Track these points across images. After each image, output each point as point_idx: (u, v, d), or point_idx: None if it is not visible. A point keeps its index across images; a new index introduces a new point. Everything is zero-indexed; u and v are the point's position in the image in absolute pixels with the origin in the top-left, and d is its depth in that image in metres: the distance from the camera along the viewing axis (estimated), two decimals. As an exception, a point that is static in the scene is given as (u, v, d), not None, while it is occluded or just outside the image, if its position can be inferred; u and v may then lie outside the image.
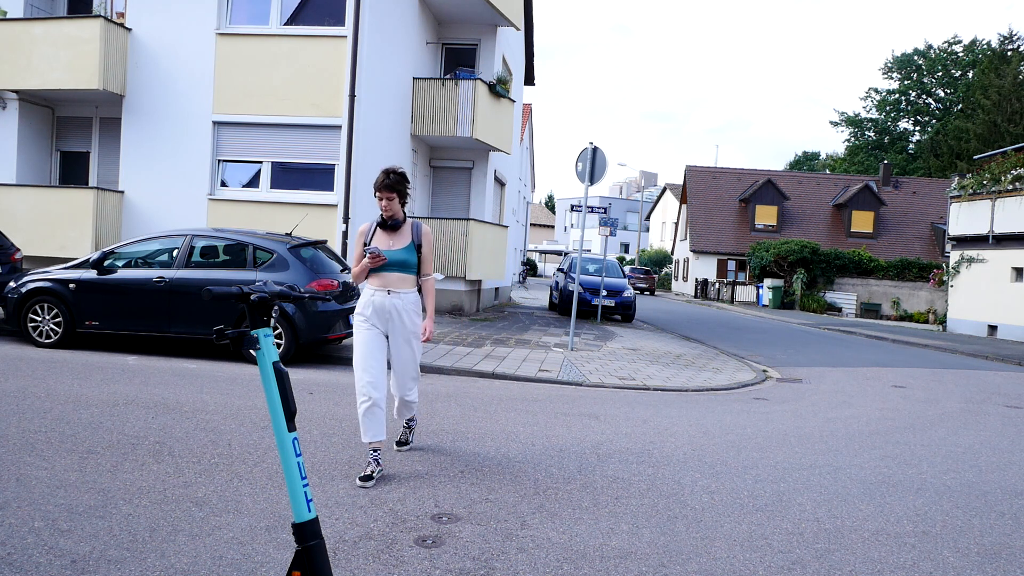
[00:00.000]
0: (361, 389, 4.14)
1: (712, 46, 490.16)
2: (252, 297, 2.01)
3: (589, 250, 50.79)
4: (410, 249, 4.30)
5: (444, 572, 3.03)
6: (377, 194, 4.20)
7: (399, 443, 4.87)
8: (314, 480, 4.08)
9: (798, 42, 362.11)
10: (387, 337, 4.31)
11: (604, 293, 17.02)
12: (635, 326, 16.90)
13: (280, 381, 2.01)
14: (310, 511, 2.00)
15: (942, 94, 53.38)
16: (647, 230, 62.09)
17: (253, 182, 12.56)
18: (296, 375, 7.53)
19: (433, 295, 4.45)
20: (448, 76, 15.23)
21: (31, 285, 8.31)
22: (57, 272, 8.38)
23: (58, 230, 12.15)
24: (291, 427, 2.01)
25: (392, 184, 4.18)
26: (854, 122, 56.75)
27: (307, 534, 2.00)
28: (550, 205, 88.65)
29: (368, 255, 4.10)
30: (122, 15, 12.81)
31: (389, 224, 4.29)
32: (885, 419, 7.34)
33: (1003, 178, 20.49)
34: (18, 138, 12.88)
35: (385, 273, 4.24)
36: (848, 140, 58.14)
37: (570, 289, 16.99)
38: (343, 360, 8.66)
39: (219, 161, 12.49)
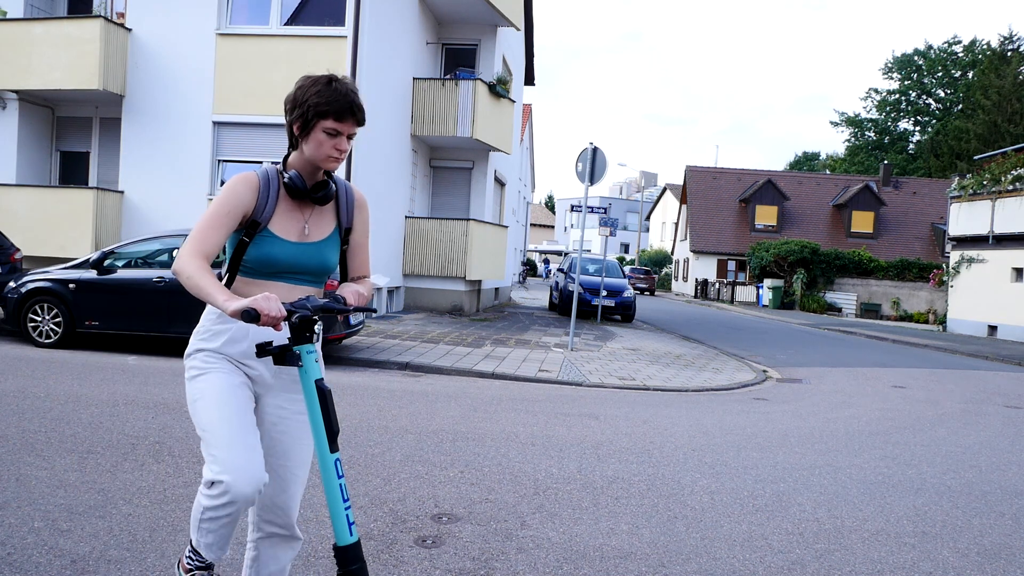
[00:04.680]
0: (227, 470, 1.94)
1: (717, 51, 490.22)
2: (293, 319, 1.86)
3: (589, 250, 50.80)
4: (334, 240, 2.20)
5: (444, 572, 3.03)
6: (328, 125, 2.02)
7: None
8: (314, 480, 4.08)
9: (799, 44, 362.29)
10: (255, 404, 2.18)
11: (604, 293, 17.02)
12: (635, 326, 16.91)
13: (323, 400, 1.91)
14: (352, 535, 1.91)
15: (942, 94, 53.38)
16: (647, 230, 62.10)
17: (253, 182, 12.55)
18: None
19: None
20: (448, 76, 15.24)
21: (31, 285, 8.31)
22: (57, 272, 8.38)
23: (58, 230, 12.15)
24: (334, 448, 1.90)
25: (362, 108, 2.08)
26: (854, 122, 56.77)
27: (350, 558, 1.92)
28: (550, 205, 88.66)
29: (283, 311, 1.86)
30: (122, 15, 12.81)
31: (315, 190, 2.11)
32: (885, 419, 7.34)
33: (1003, 178, 20.49)
34: (18, 138, 12.88)
35: (286, 285, 2.12)
36: (848, 140, 58.17)
37: (570, 289, 16.99)
38: (343, 360, 8.67)
39: (219, 161, 12.48)
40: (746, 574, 3.23)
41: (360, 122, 2.10)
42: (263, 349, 1.86)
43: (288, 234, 2.12)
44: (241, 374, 2.12)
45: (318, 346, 2.04)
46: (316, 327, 1.93)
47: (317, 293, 2.21)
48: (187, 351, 2.14)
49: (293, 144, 2.14)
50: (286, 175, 2.10)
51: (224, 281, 2.10)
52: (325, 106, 2.02)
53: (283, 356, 1.88)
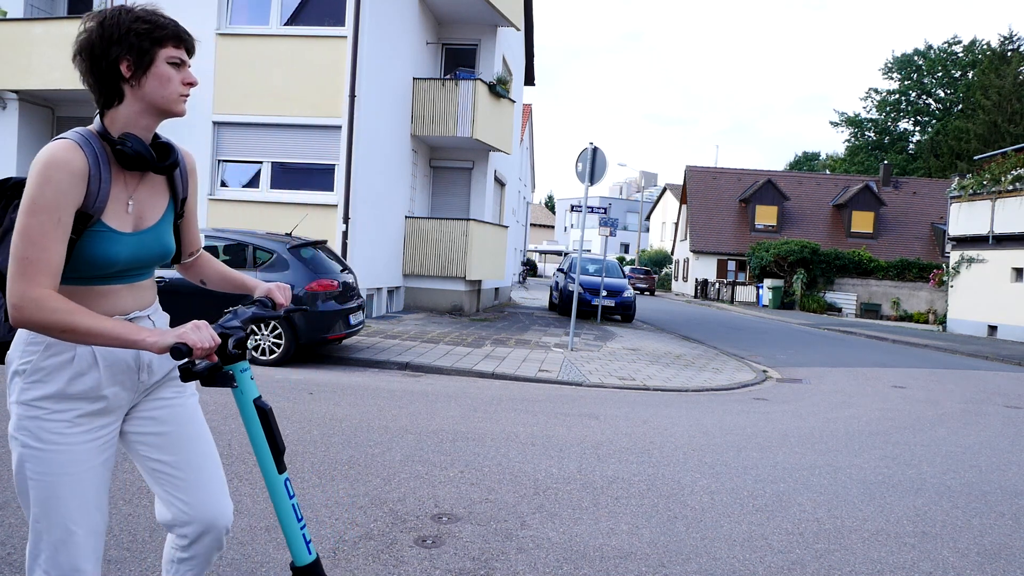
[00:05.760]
0: None
1: (717, 51, 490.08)
2: (230, 346, 1.64)
3: (589, 250, 50.80)
4: (169, 218, 1.80)
5: (444, 572, 3.03)
6: (170, 54, 1.66)
7: None
8: (314, 480, 4.09)
9: (799, 44, 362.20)
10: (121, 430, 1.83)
11: (604, 293, 17.02)
12: (635, 326, 16.91)
13: (264, 420, 1.72)
14: (311, 553, 1.80)
15: (942, 94, 53.39)
16: (647, 230, 62.10)
17: (253, 182, 12.56)
18: (296, 375, 7.54)
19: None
20: (448, 76, 15.24)
21: (31, 285, 8.30)
22: (57, 272, 8.36)
23: (58, 230, 12.14)
24: (281, 468, 1.74)
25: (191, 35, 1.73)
26: (854, 122, 56.79)
27: None
28: (550, 205, 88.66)
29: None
30: (122, 15, 12.81)
31: (162, 157, 1.72)
32: (885, 419, 7.34)
33: (1003, 178, 20.49)
34: (18, 138, 12.88)
35: (124, 286, 1.71)
36: (848, 140, 58.19)
37: (570, 289, 17.00)
38: (343, 360, 8.67)
39: (219, 161, 12.49)
40: (746, 574, 3.23)
41: (193, 51, 1.71)
42: (188, 372, 1.57)
43: (123, 223, 1.66)
44: (103, 433, 1.69)
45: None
46: (248, 342, 1.75)
47: (152, 285, 1.84)
48: (14, 398, 1.62)
49: (107, 101, 1.65)
50: (117, 140, 1.61)
51: None
52: (161, 30, 1.61)
53: (212, 378, 1.62)
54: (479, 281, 16.14)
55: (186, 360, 1.55)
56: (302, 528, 1.79)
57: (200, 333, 1.53)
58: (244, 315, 1.72)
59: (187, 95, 1.70)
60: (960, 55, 51.96)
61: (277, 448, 1.74)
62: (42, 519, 1.64)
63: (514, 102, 16.84)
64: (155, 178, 1.75)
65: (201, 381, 1.60)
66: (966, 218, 22.15)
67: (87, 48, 1.65)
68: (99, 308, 1.65)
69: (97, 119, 1.66)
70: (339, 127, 11.97)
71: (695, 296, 37.99)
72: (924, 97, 54.36)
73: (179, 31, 1.67)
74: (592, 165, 11.31)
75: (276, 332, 8.06)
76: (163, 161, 1.70)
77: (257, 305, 1.84)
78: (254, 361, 8.04)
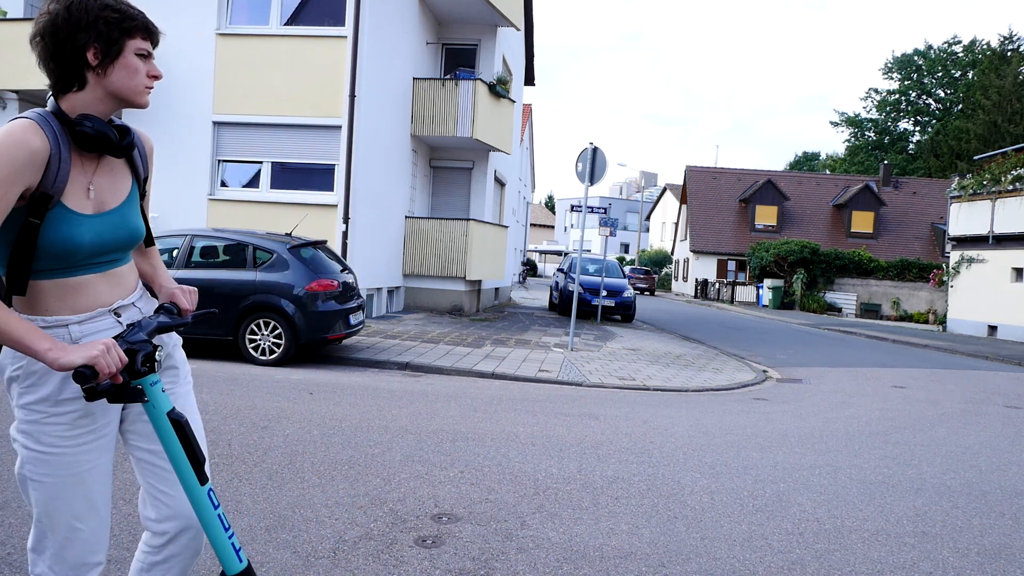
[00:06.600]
0: None
1: (717, 51, 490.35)
2: (138, 363, 1.57)
3: (589, 250, 50.80)
4: (134, 199, 1.77)
5: (444, 572, 3.03)
6: (139, 45, 1.64)
7: None
8: (314, 480, 4.09)
9: (799, 44, 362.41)
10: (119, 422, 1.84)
11: (604, 293, 17.02)
12: (635, 326, 16.91)
13: (180, 432, 1.67)
14: (242, 560, 1.79)
15: (942, 94, 53.40)
16: (647, 230, 62.11)
17: (253, 182, 12.56)
18: (296, 375, 7.54)
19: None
20: (448, 76, 15.24)
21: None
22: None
23: (58, 230, 12.13)
24: (203, 479, 1.71)
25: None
26: (854, 122, 56.80)
27: None
28: (550, 205, 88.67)
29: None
30: (122, 15, 12.80)
31: (115, 139, 1.65)
32: (885, 419, 7.34)
33: (1003, 178, 20.49)
34: (18, 138, 12.87)
35: (99, 275, 1.68)
36: (848, 140, 58.20)
37: (570, 289, 17.00)
38: (343, 360, 8.67)
39: (219, 161, 12.49)
40: (746, 574, 3.23)
41: (158, 43, 1.71)
42: (93, 391, 1.48)
43: (84, 206, 1.61)
44: (105, 432, 1.72)
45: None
46: (158, 353, 1.64)
47: (131, 271, 1.80)
48: (15, 402, 1.64)
49: (66, 86, 1.60)
50: (76, 121, 1.58)
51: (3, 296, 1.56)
52: (130, 21, 1.60)
53: (121, 394, 1.54)
54: (479, 281, 16.14)
55: (92, 386, 1.49)
56: (230, 537, 1.78)
57: (109, 357, 1.48)
58: (149, 327, 1.64)
59: (151, 87, 1.69)
60: (960, 55, 51.97)
61: (196, 460, 1.70)
62: (45, 518, 1.66)
63: (514, 102, 16.85)
64: (113, 161, 1.73)
65: (108, 398, 1.54)
66: (966, 218, 22.15)
67: (51, 32, 1.57)
68: (78, 303, 1.63)
69: (52, 100, 1.62)
70: (339, 127, 11.97)
71: (695, 296, 37.99)
72: (924, 97, 54.37)
73: (147, 23, 1.66)
74: (592, 165, 11.31)
75: (276, 332, 8.06)
76: (122, 141, 1.69)
77: (163, 313, 1.75)
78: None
